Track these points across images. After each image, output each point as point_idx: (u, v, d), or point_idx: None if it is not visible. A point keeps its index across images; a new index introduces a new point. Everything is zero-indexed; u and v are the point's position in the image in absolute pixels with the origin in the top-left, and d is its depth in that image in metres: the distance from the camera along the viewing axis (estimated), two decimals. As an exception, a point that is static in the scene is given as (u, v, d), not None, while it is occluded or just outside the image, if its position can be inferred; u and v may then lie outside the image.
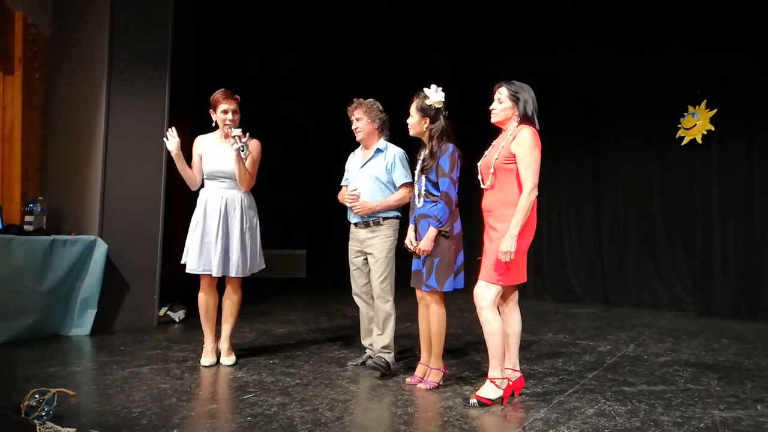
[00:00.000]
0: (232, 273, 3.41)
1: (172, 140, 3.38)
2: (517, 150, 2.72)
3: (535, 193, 2.70)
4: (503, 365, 2.81)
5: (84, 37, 4.63)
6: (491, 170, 2.79)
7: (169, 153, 3.38)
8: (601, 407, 2.75)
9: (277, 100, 7.34)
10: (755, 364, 3.74)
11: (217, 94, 3.45)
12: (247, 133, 3.40)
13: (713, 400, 2.91)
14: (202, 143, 3.54)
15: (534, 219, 2.78)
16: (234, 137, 3.32)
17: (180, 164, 3.43)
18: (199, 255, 3.38)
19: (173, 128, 3.43)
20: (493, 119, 2.89)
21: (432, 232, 2.96)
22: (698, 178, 6.13)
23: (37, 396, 2.40)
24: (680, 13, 6.06)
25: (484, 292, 2.75)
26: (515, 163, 2.72)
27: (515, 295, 2.94)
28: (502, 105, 2.84)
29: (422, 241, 2.99)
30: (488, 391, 2.76)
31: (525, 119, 2.80)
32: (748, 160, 5.82)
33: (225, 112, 3.43)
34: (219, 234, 3.38)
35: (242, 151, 3.34)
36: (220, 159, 3.44)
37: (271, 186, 4.81)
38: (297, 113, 7.67)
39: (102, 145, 4.41)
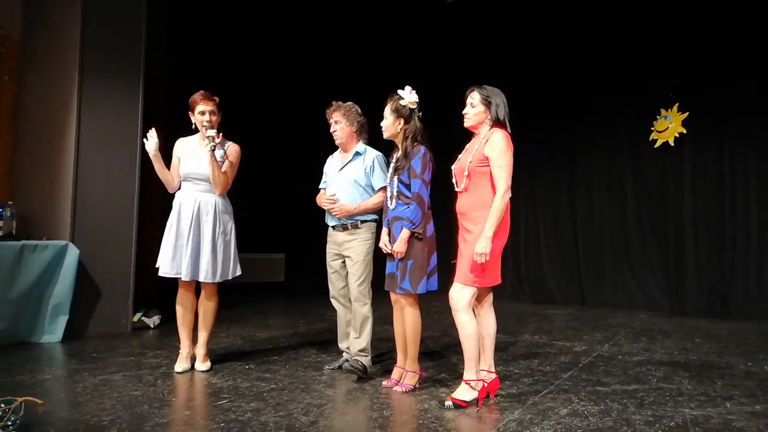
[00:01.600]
0: (202, 278, 3.37)
1: (151, 140, 3.34)
2: (490, 153, 2.76)
3: (509, 195, 2.74)
4: (478, 367, 2.83)
5: (55, 38, 4.54)
6: (465, 173, 2.83)
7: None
8: (575, 407, 2.78)
9: (254, 102, 7.29)
10: (726, 362, 3.81)
11: (195, 96, 3.44)
12: (220, 134, 3.39)
13: (684, 398, 2.96)
14: (182, 145, 3.51)
15: (507, 221, 2.82)
16: (207, 137, 3.33)
17: (158, 165, 3.38)
18: (172, 258, 3.34)
19: (153, 129, 3.39)
20: (466, 123, 2.93)
21: (405, 233, 2.97)
22: (671, 180, 6.25)
23: (2, 405, 2.34)
24: (653, 17, 6.18)
25: (459, 294, 2.76)
26: (488, 166, 2.77)
27: (490, 297, 2.96)
28: (474, 109, 2.88)
29: (396, 242, 3.00)
30: (463, 392, 2.77)
31: (497, 123, 2.85)
32: (719, 162, 5.95)
33: (202, 113, 3.41)
34: (190, 237, 3.34)
35: (215, 151, 3.33)
36: (197, 161, 3.41)
37: (249, 189, 4.76)
38: (275, 116, 7.62)
39: (74, 148, 4.32)
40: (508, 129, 2.86)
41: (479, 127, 2.90)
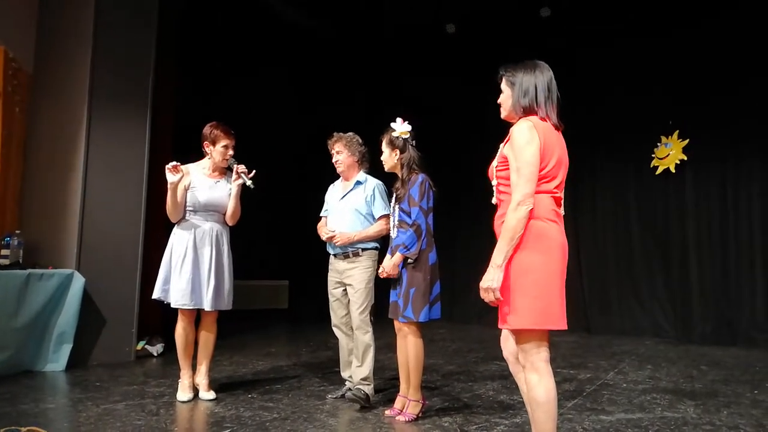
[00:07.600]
0: (223, 306, 3.46)
1: (178, 175, 3.33)
2: (509, 153, 2.13)
3: (526, 206, 2.03)
4: None
5: (65, 71, 4.66)
6: (493, 182, 2.24)
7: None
8: (579, 437, 2.76)
9: (257, 131, 7.40)
10: (732, 390, 3.78)
11: (218, 130, 3.49)
12: (253, 171, 3.47)
13: (689, 427, 2.93)
14: (190, 176, 3.49)
15: (549, 238, 2.09)
16: (241, 173, 3.43)
17: (173, 196, 3.35)
18: (191, 291, 3.36)
19: (178, 163, 3.36)
20: (502, 114, 2.32)
21: (397, 257, 3.04)
22: (673, 206, 6.28)
23: (6, 435, 2.35)
24: (651, 44, 6.28)
25: (522, 346, 2.09)
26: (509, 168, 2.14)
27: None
28: (503, 95, 2.27)
29: (388, 264, 3.06)
30: None
31: (528, 110, 2.18)
32: (721, 187, 5.99)
33: (226, 147, 3.49)
34: (212, 266, 3.41)
35: (251, 187, 3.43)
36: (213, 192, 3.48)
37: (254, 217, 4.81)
38: (278, 145, 7.72)
39: (81, 179, 4.40)
40: (545, 114, 2.18)
41: (515, 119, 2.23)
